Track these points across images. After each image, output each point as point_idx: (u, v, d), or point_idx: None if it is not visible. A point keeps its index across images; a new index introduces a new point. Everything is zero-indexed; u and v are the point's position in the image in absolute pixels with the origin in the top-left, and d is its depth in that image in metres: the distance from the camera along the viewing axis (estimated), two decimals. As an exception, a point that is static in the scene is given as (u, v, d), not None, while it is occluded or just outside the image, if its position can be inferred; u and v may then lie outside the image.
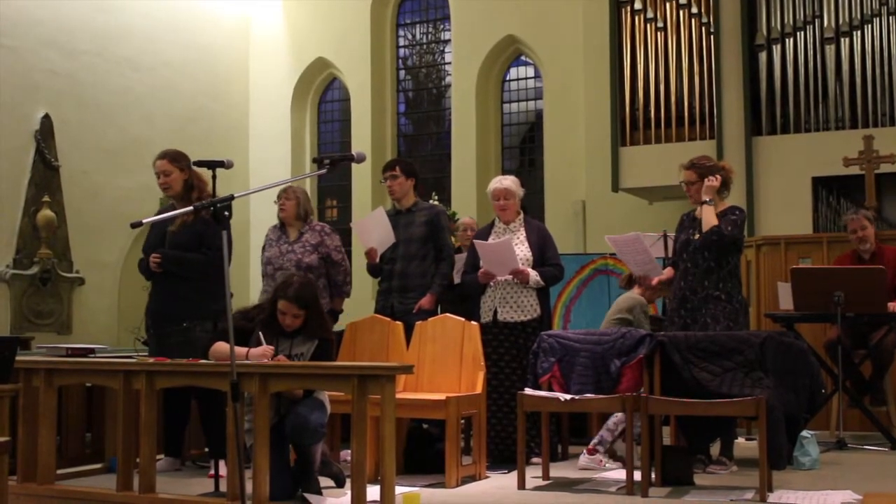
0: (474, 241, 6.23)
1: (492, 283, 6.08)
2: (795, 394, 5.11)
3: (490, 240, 6.19)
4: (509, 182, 6.24)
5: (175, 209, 5.53)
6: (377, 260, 6.45)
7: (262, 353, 4.64)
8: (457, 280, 6.64)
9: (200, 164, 5.46)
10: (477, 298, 6.22)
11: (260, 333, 4.75)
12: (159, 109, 11.65)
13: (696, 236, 5.70)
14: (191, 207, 4.55)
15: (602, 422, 6.14)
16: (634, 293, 6.67)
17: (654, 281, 6.03)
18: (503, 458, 5.91)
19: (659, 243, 7.45)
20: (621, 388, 5.18)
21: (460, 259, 6.71)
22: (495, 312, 6.07)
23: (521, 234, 6.18)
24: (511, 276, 6.00)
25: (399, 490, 4.46)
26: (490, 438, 5.91)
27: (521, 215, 6.27)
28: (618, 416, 5.75)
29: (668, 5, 10.08)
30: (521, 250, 6.09)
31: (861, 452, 6.36)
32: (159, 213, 6.02)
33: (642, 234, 6.48)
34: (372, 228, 6.46)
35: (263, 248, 6.59)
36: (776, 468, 4.91)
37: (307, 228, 6.42)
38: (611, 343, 5.29)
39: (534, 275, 6.01)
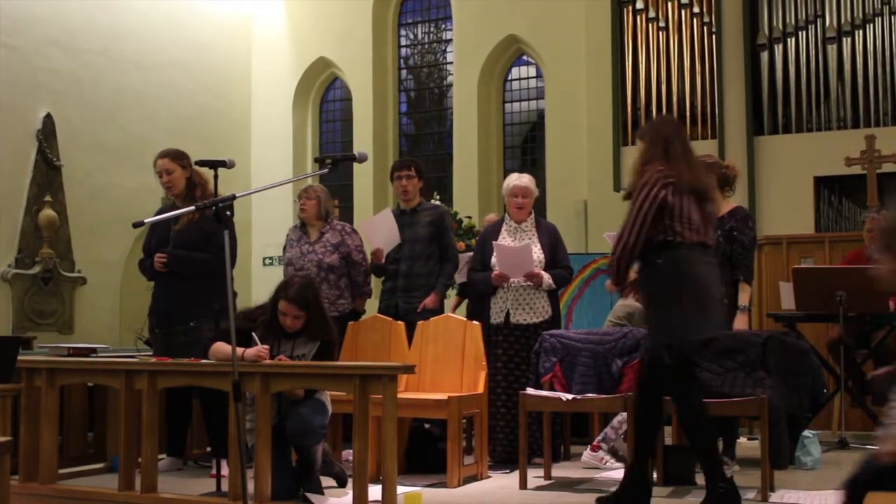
0: (494, 242, 6.16)
1: (504, 285, 6.06)
2: (797, 393, 5.12)
3: (501, 237, 6.17)
4: (527, 180, 6.22)
5: (176, 208, 5.52)
6: (383, 260, 6.44)
7: (256, 353, 4.62)
8: (460, 279, 6.62)
9: (202, 163, 5.47)
10: (485, 297, 6.17)
11: (254, 334, 4.72)
12: (161, 108, 11.64)
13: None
14: (192, 207, 4.54)
15: (604, 421, 6.14)
16: (631, 300, 6.66)
17: None
18: (508, 458, 5.90)
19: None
20: (623, 387, 5.19)
21: (463, 259, 6.71)
22: (507, 314, 6.06)
23: (534, 235, 6.15)
24: (524, 279, 5.99)
25: (401, 490, 4.46)
26: (498, 440, 5.93)
27: (532, 215, 6.25)
28: (623, 415, 5.76)
29: (669, 5, 10.09)
30: (534, 252, 6.06)
31: (863, 452, 6.35)
32: (160, 212, 5.98)
33: None
34: (379, 229, 6.45)
35: (284, 248, 6.59)
36: (778, 468, 4.92)
37: (328, 228, 6.42)
38: (612, 343, 5.30)
39: (546, 278, 6.01)
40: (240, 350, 4.59)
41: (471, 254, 6.71)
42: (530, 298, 6.04)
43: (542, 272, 6.00)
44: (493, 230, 6.32)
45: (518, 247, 6.03)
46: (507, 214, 6.28)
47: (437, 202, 8.57)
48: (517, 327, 6.04)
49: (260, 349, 4.61)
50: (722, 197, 5.75)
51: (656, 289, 4.36)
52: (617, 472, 5.48)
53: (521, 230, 6.18)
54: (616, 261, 4.35)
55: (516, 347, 6.04)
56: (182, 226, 5.74)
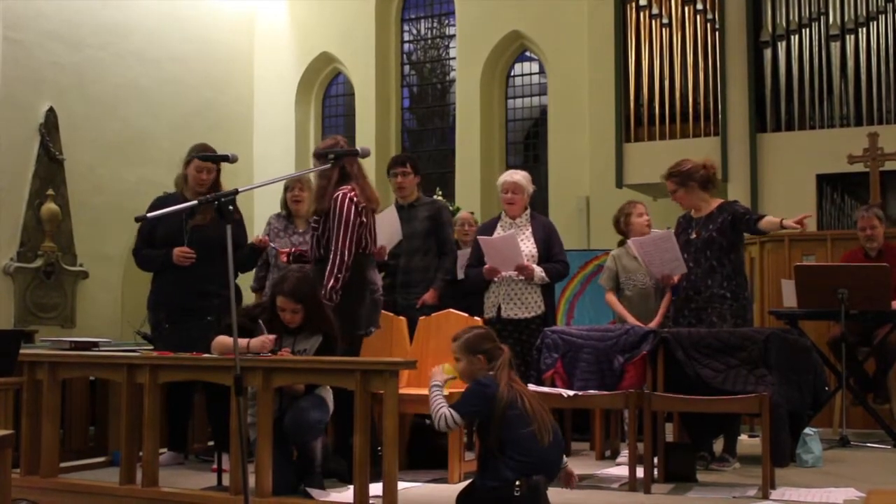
0: (478, 237, 6.21)
1: (496, 279, 6.06)
2: (799, 391, 5.11)
3: (496, 234, 6.17)
4: (520, 177, 6.21)
5: (178, 202, 5.50)
6: (386, 257, 6.43)
7: (261, 342, 4.61)
8: (459, 275, 6.62)
9: (205, 158, 5.46)
10: (480, 294, 6.19)
11: (260, 322, 4.72)
12: (164, 103, 11.63)
13: (694, 235, 5.71)
14: (195, 202, 4.54)
15: (605, 418, 6.14)
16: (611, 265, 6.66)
17: (677, 278, 5.93)
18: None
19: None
20: (624, 384, 5.18)
21: (462, 255, 6.70)
22: (499, 308, 6.06)
23: (528, 230, 6.15)
24: (515, 273, 5.98)
25: (402, 486, 4.47)
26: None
27: (528, 211, 6.24)
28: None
29: (673, 2, 10.07)
30: (527, 246, 6.06)
31: (864, 450, 6.35)
32: (157, 204, 5.88)
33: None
34: (382, 227, 6.44)
35: (267, 236, 6.55)
36: (779, 465, 4.91)
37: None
38: (614, 339, 5.29)
39: (538, 271, 5.99)
40: (244, 341, 4.58)
41: (465, 250, 6.72)
42: (522, 292, 6.03)
43: (534, 265, 5.99)
44: (489, 227, 6.32)
45: (501, 237, 6.03)
46: (503, 211, 6.30)
47: (439, 197, 8.58)
48: (509, 322, 6.03)
49: (265, 338, 4.60)
50: (708, 196, 5.80)
51: (346, 291, 5.06)
52: (618, 469, 5.49)
53: (515, 225, 6.17)
54: (337, 277, 5.03)
55: (509, 342, 6.00)
56: (206, 221, 5.65)
